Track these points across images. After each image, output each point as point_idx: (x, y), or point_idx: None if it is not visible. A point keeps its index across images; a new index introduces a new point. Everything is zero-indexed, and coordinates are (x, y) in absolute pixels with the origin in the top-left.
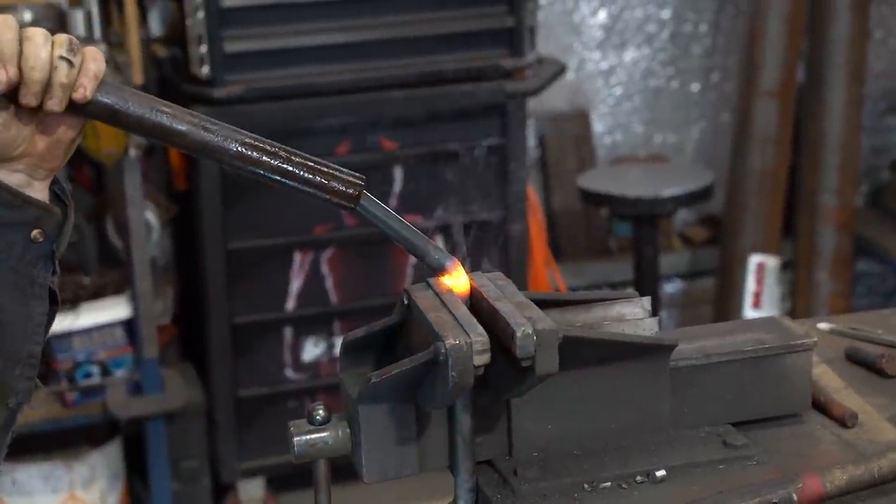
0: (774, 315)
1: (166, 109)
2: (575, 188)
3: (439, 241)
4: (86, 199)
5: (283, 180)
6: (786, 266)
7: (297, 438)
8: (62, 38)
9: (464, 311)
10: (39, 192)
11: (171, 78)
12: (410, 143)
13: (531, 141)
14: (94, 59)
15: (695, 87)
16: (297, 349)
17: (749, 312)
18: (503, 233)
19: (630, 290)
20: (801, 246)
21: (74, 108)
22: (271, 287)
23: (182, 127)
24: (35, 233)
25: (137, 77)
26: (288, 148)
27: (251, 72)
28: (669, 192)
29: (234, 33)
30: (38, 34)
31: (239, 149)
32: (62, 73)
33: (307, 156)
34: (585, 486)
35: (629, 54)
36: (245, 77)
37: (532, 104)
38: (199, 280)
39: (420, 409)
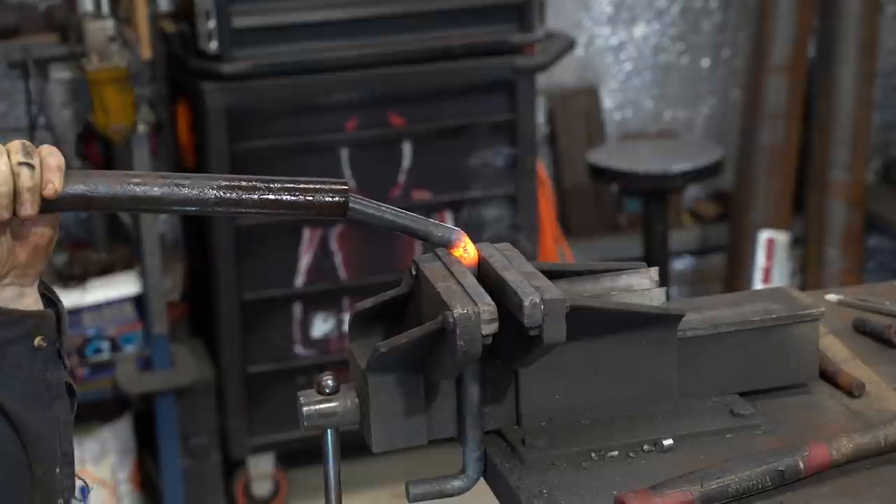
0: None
1: (135, 180)
2: (584, 164)
3: (448, 217)
4: None
5: (270, 211)
6: (796, 242)
7: (307, 408)
8: (14, 144)
9: (472, 281)
10: (31, 297)
11: (179, 53)
12: (419, 119)
13: (540, 117)
14: (52, 154)
15: (705, 62)
16: (306, 325)
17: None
18: (513, 208)
19: (639, 262)
20: (811, 222)
21: (47, 207)
22: (280, 263)
23: (156, 192)
24: (37, 341)
25: (146, 52)
26: (263, 177)
27: (260, 47)
28: (679, 167)
29: (243, 8)
30: None
31: (217, 194)
32: (26, 178)
33: (283, 178)
34: (593, 454)
35: (639, 29)
36: (253, 52)
37: (541, 80)
38: (208, 256)
39: (428, 379)
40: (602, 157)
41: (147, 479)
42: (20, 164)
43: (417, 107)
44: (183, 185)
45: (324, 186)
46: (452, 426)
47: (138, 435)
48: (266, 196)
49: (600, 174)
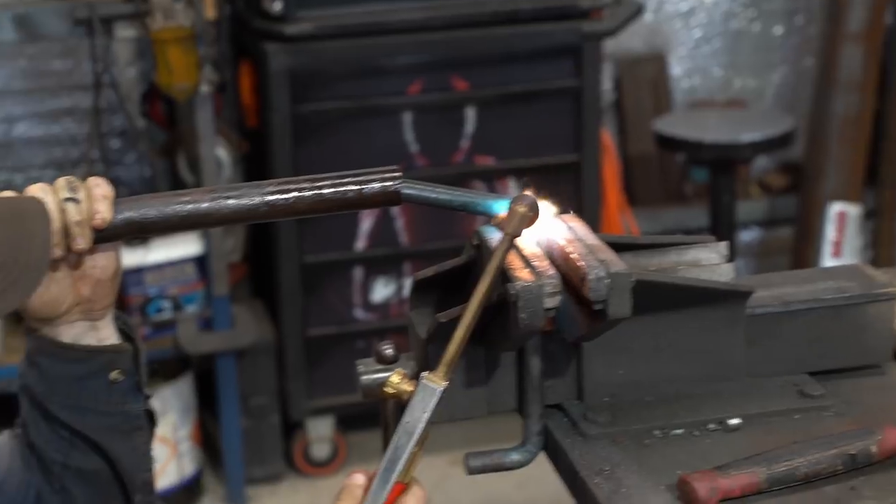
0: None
1: (184, 198)
2: (651, 132)
3: (511, 184)
4: (158, 135)
5: (323, 211)
6: (868, 215)
7: (365, 377)
8: (59, 182)
9: (534, 253)
10: (105, 330)
11: (242, 14)
12: (483, 84)
13: (607, 83)
14: (98, 185)
15: (777, 29)
16: (366, 289)
17: (828, 262)
18: (577, 176)
19: (706, 235)
20: (884, 194)
21: (101, 238)
22: (342, 227)
23: (205, 206)
24: (114, 374)
25: (210, 12)
26: (310, 177)
27: (323, 8)
28: (748, 137)
29: None
30: (35, 191)
31: (267, 199)
32: (73, 213)
33: (331, 175)
34: (657, 432)
35: None
36: (317, 14)
37: (608, 45)
38: None
39: (489, 351)
40: (669, 125)
41: (207, 438)
42: (65, 200)
43: (482, 71)
44: (232, 197)
45: (374, 177)
46: (513, 399)
47: (199, 394)
48: (317, 193)
49: (667, 143)
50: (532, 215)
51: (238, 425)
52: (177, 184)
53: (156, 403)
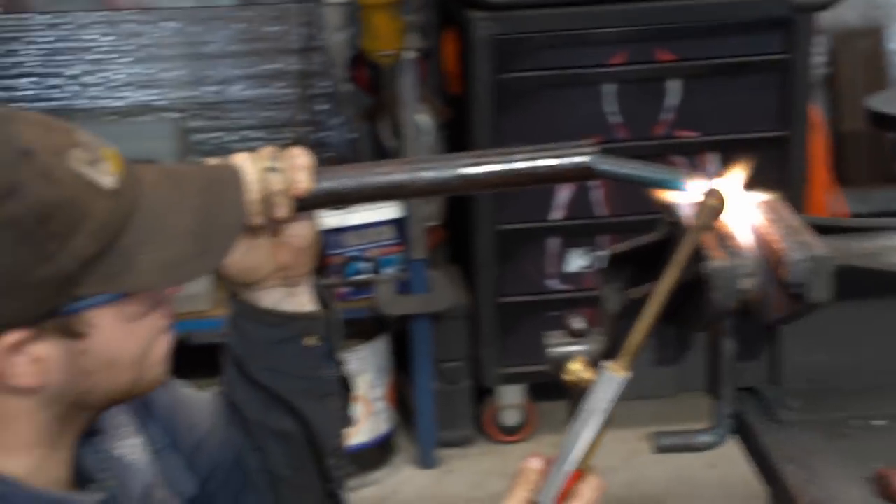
0: None
1: (381, 169)
2: (864, 109)
3: (714, 159)
4: (363, 100)
5: (516, 185)
6: None
7: (552, 350)
8: (264, 151)
9: (731, 233)
10: (302, 297)
11: None
12: (688, 56)
13: (819, 57)
14: (299, 155)
15: None
16: (561, 259)
17: None
18: (783, 154)
19: None
20: None
21: (301, 207)
22: (539, 196)
23: (401, 178)
24: (309, 340)
25: None
26: (504, 150)
27: None
28: None
29: None
30: (240, 160)
31: (461, 172)
32: (274, 182)
33: (524, 148)
34: (855, 422)
35: None
36: None
37: (822, 17)
38: None
39: (680, 330)
40: (885, 102)
41: (401, 399)
42: (266, 169)
43: (687, 43)
44: (427, 168)
45: (568, 151)
46: (703, 380)
47: (395, 355)
48: (511, 166)
49: (880, 121)
50: (723, 209)
51: (431, 388)
52: (379, 148)
53: (352, 363)
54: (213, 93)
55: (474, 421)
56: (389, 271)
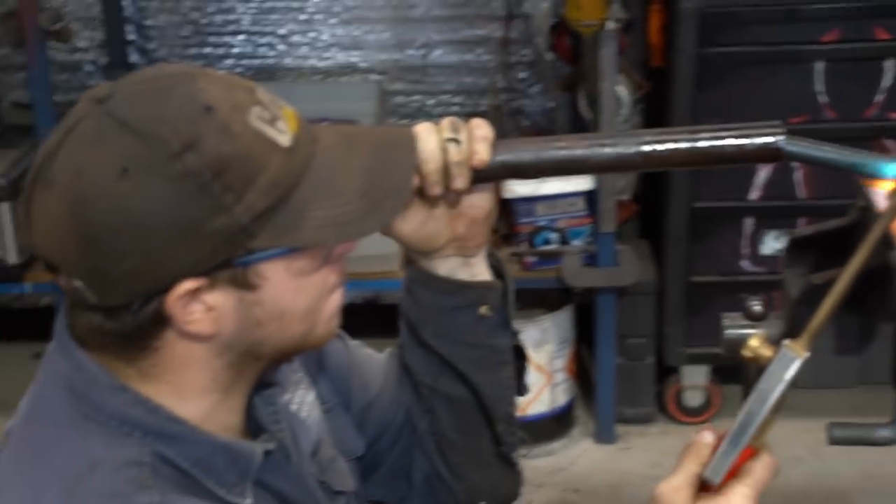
0: None
1: (560, 144)
2: None
3: None
4: (562, 69)
5: (698, 165)
6: None
7: (728, 332)
8: (445, 122)
9: None
10: (478, 267)
11: None
12: None
13: None
14: (479, 127)
15: None
16: (756, 241)
17: None
18: None
19: None
20: None
21: (479, 179)
22: (736, 174)
23: (579, 153)
24: (482, 310)
25: None
26: (686, 128)
27: None
28: None
29: None
30: (421, 130)
31: (643, 149)
32: (453, 153)
33: (708, 127)
34: None
35: None
36: None
37: None
38: None
39: (864, 320)
40: None
41: (581, 371)
42: (447, 140)
43: None
44: (606, 145)
45: (754, 131)
46: (887, 371)
47: (578, 327)
48: (694, 145)
49: None
50: None
51: (613, 363)
52: (575, 119)
53: (535, 332)
54: (415, 56)
55: (656, 399)
56: (577, 243)
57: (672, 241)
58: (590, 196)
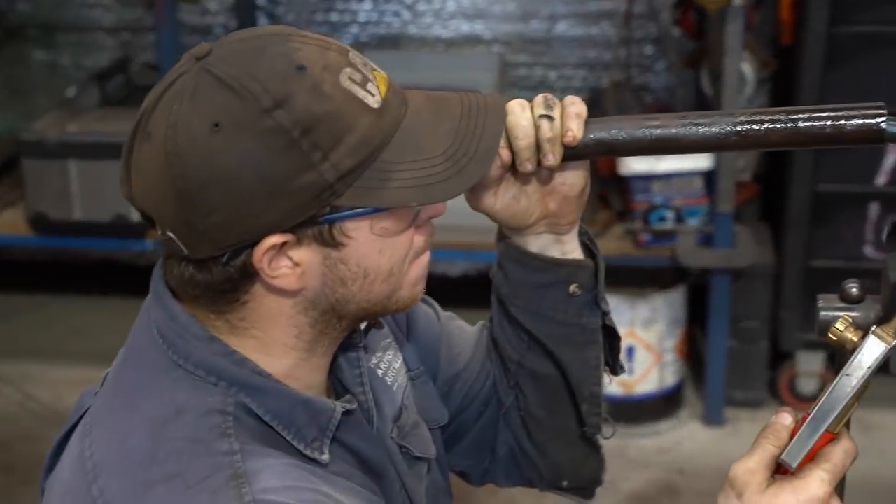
0: None
1: (653, 122)
2: None
3: None
4: (687, 45)
5: (797, 145)
6: None
7: (823, 314)
8: (538, 99)
9: None
10: (569, 245)
11: None
12: None
13: None
14: (573, 104)
15: None
16: (881, 227)
17: None
18: None
19: None
20: None
21: (571, 156)
22: (863, 158)
23: (673, 132)
24: (573, 287)
25: None
26: (786, 109)
27: None
28: None
29: None
30: (514, 106)
31: (738, 129)
32: (545, 130)
33: (808, 107)
34: None
35: None
36: None
37: None
38: None
39: None
40: None
41: (692, 352)
42: (540, 116)
43: None
44: (700, 124)
45: (855, 112)
46: None
47: (690, 308)
48: (791, 128)
49: None
50: None
51: (725, 345)
52: (698, 96)
53: (646, 311)
54: (539, 28)
55: (769, 384)
56: (693, 222)
57: (792, 224)
58: (708, 175)
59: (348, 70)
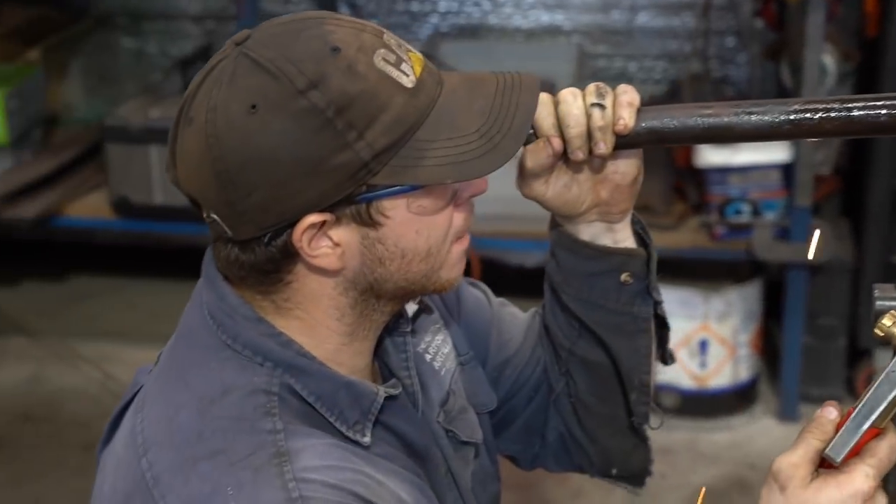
0: None
1: (706, 111)
2: None
3: None
4: (767, 36)
5: (852, 134)
6: None
7: (879, 303)
8: (590, 87)
9: None
10: (621, 233)
11: None
12: None
13: None
14: (625, 92)
15: None
16: None
17: None
18: None
19: None
20: None
21: (623, 144)
22: None
23: (726, 121)
24: (624, 276)
25: None
26: (838, 97)
27: None
28: None
29: None
30: (566, 95)
31: (792, 118)
32: (597, 118)
33: (864, 96)
34: None
35: None
36: None
37: None
38: None
39: None
40: None
41: (767, 348)
42: (592, 105)
43: None
44: (754, 113)
45: None
46: None
47: (766, 302)
48: (845, 116)
49: None
50: None
51: (800, 341)
52: (778, 87)
53: (720, 304)
54: (620, 19)
55: (845, 381)
56: (770, 216)
57: (873, 218)
58: (786, 168)
59: (382, 51)
